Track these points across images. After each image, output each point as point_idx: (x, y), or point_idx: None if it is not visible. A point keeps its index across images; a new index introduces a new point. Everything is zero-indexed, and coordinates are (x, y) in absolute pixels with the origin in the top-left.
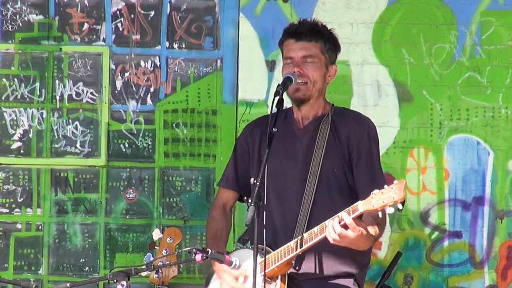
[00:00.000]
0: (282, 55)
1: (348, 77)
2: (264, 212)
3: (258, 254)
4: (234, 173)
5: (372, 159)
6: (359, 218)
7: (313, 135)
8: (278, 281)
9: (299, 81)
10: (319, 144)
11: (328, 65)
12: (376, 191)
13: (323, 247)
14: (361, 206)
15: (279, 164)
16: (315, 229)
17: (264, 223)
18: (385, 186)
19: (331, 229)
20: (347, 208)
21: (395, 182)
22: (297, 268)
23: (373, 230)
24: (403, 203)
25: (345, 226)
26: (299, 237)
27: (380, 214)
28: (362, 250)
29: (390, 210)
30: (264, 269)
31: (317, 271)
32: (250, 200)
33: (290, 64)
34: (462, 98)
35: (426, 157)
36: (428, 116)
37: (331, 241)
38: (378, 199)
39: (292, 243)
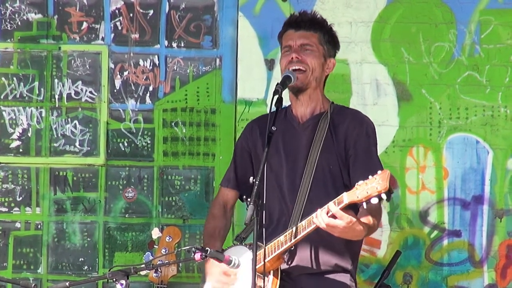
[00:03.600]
0: (281, 47)
1: (347, 76)
2: (264, 211)
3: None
4: (234, 173)
5: (371, 157)
6: (348, 208)
7: (312, 132)
8: (271, 276)
9: (296, 67)
10: (316, 141)
11: (326, 57)
12: (360, 182)
13: (318, 242)
14: (346, 197)
15: (279, 161)
16: (303, 222)
17: (264, 222)
18: (370, 177)
19: (320, 218)
20: (334, 200)
21: (379, 172)
22: (289, 263)
23: (366, 219)
24: (388, 193)
25: (334, 216)
26: (288, 231)
27: (364, 205)
28: (354, 246)
29: (374, 201)
30: (264, 263)
31: (313, 266)
32: (249, 199)
33: (288, 52)
34: (461, 97)
35: (425, 156)
36: (427, 115)
37: (322, 227)
38: (362, 190)
39: (281, 238)
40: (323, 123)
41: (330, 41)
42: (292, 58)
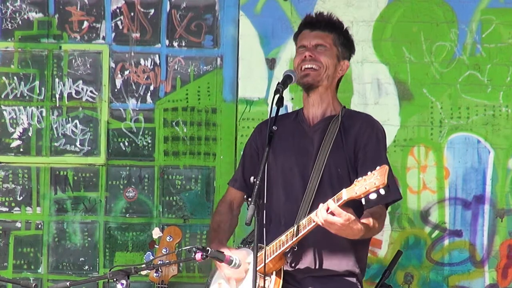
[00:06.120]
0: (296, 47)
1: (349, 75)
2: (264, 211)
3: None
4: (242, 174)
5: (380, 161)
6: (347, 206)
7: (322, 134)
8: (273, 276)
9: (309, 66)
10: (326, 144)
11: (340, 58)
12: (359, 178)
13: (324, 244)
14: (345, 193)
15: (288, 161)
16: (304, 221)
17: (265, 222)
18: (368, 173)
19: (319, 214)
20: (333, 197)
21: (377, 168)
22: (293, 265)
23: (366, 220)
24: (387, 189)
25: (333, 214)
26: (289, 231)
27: (363, 200)
28: (361, 250)
29: (372, 196)
30: (265, 263)
31: (319, 269)
32: (250, 199)
33: (302, 51)
34: (462, 96)
35: (426, 156)
36: (429, 115)
37: (320, 224)
38: (361, 186)
39: (283, 237)
40: (333, 126)
41: (345, 43)
42: (305, 56)
